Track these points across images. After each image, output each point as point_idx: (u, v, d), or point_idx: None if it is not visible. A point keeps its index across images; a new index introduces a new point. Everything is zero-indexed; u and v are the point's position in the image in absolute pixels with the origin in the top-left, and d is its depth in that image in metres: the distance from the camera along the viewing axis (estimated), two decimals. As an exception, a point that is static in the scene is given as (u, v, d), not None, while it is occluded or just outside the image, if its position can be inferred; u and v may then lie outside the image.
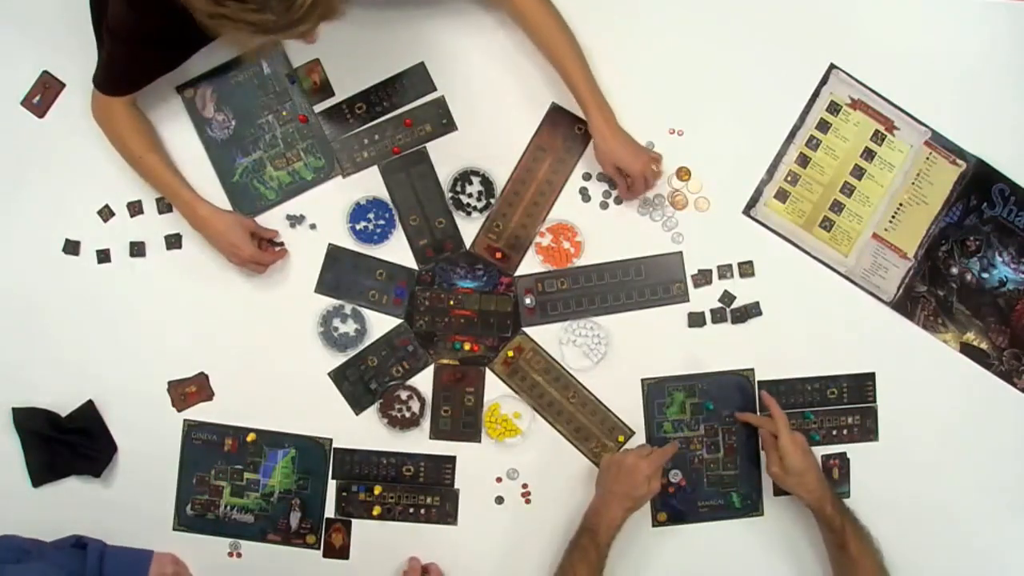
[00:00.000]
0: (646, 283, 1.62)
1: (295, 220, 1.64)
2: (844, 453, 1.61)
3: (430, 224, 1.64)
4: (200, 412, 1.64)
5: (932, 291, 1.61)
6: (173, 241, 1.64)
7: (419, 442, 1.63)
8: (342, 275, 1.64)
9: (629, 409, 1.62)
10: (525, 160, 1.63)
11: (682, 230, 1.62)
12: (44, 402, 1.63)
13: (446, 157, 1.63)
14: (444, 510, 1.63)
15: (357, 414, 1.64)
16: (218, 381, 1.64)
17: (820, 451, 1.59)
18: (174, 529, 1.64)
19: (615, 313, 1.62)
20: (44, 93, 1.63)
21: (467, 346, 1.63)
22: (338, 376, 1.64)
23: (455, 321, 1.64)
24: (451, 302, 1.64)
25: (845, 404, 1.61)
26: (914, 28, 1.61)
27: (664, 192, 1.61)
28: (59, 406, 1.63)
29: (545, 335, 1.63)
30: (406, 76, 1.63)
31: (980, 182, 1.60)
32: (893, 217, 1.61)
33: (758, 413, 1.60)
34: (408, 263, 1.64)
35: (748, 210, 1.62)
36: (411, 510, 1.63)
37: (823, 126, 1.61)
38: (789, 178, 1.61)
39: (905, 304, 1.61)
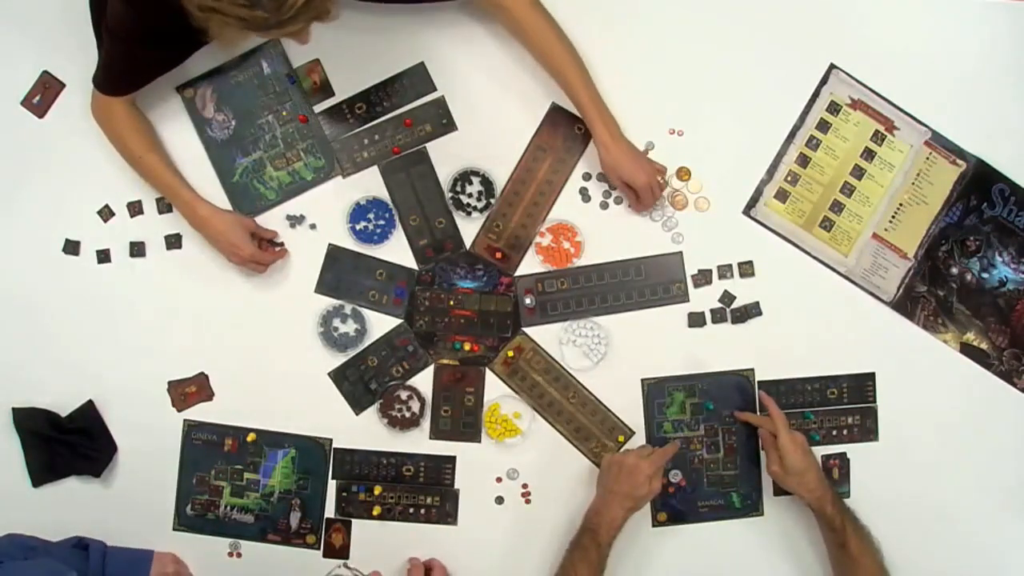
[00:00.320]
0: (646, 283, 1.62)
1: (295, 220, 1.64)
2: (844, 453, 1.61)
3: (430, 224, 1.64)
4: (200, 412, 1.64)
5: (932, 291, 1.61)
6: (173, 241, 1.64)
7: (419, 442, 1.63)
8: (342, 275, 1.64)
9: (629, 409, 1.62)
10: (525, 160, 1.63)
11: (682, 230, 1.62)
12: (44, 402, 1.63)
13: (446, 157, 1.63)
14: (444, 510, 1.63)
15: (357, 414, 1.64)
16: (218, 381, 1.64)
17: (820, 451, 1.59)
18: (174, 529, 1.64)
19: (615, 313, 1.62)
20: (44, 93, 1.63)
21: (467, 346, 1.63)
22: (338, 376, 1.64)
23: (455, 321, 1.64)
24: (451, 302, 1.64)
25: (845, 404, 1.61)
26: (914, 28, 1.61)
27: (664, 192, 1.62)
28: (59, 406, 1.63)
29: (545, 335, 1.63)
30: (406, 76, 1.63)
31: (980, 182, 1.60)
32: (893, 217, 1.61)
33: (758, 413, 1.60)
34: (408, 263, 1.64)
35: (748, 210, 1.62)
36: (411, 510, 1.63)
37: (823, 126, 1.61)
38: (789, 178, 1.61)
39: (905, 304, 1.61)
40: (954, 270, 1.61)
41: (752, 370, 1.61)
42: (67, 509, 1.62)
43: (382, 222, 1.64)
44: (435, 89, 1.63)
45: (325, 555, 1.63)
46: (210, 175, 1.64)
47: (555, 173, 1.63)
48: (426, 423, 1.63)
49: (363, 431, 1.63)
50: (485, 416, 1.63)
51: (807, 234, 1.61)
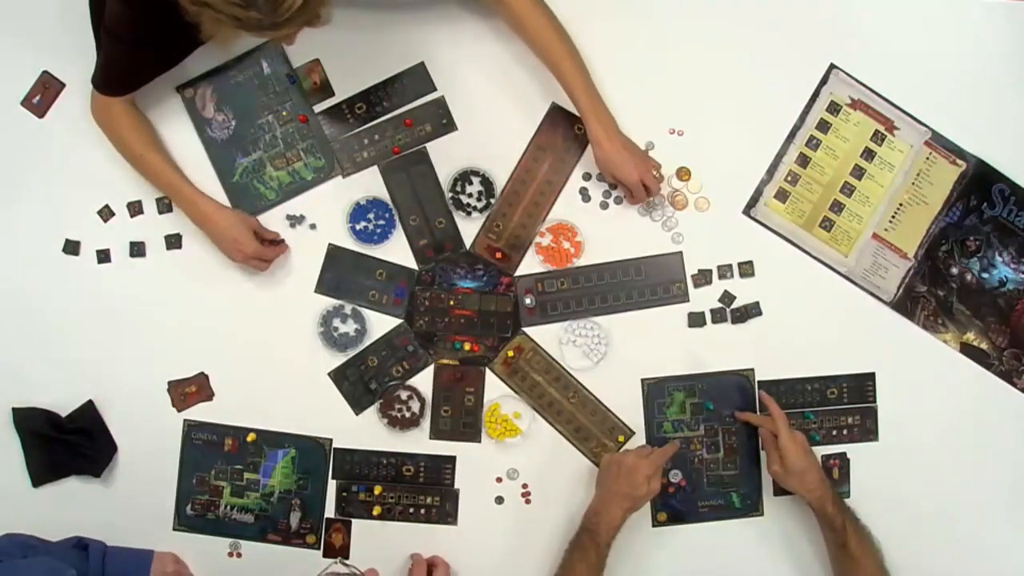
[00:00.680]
0: (646, 283, 1.62)
1: (295, 220, 1.64)
2: (844, 453, 1.61)
3: (430, 224, 1.64)
4: (200, 412, 1.64)
5: (932, 291, 1.61)
6: (173, 241, 1.64)
7: (419, 442, 1.63)
8: (342, 275, 1.64)
9: (629, 409, 1.62)
10: (525, 160, 1.63)
11: (682, 230, 1.62)
12: (44, 402, 1.63)
13: (446, 157, 1.63)
14: (444, 510, 1.63)
15: (357, 414, 1.64)
16: (218, 381, 1.64)
17: (820, 451, 1.59)
18: (174, 529, 1.64)
19: (615, 313, 1.62)
20: (44, 93, 1.63)
21: (467, 346, 1.63)
22: (338, 376, 1.64)
23: (455, 321, 1.64)
24: (451, 302, 1.64)
25: (845, 404, 1.61)
26: (914, 28, 1.61)
27: (664, 192, 1.61)
28: (59, 406, 1.63)
29: (545, 335, 1.63)
30: (406, 76, 1.63)
31: (980, 182, 1.60)
32: (893, 217, 1.61)
33: (758, 413, 1.60)
34: (408, 263, 1.64)
35: (748, 210, 1.62)
36: (411, 510, 1.63)
37: (823, 126, 1.61)
38: (789, 178, 1.61)
39: (905, 304, 1.61)
40: (954, 270, 1.61)
41: (752, 370, 1.61)
42: (67, 509, 1.62)
43: (382, 222, 1.64)
44: (435, 89, 1.63)
45: (325, 555, 1.63)
46: (210, 175, 1.64)
47: (555, 173, 1.63)
48: (426, 423, 1.63)
49: (363, 431, 1.63)
50: (485, 416, 1.63)
51: (807, 234, 1.61)
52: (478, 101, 1.63)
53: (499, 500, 1.63)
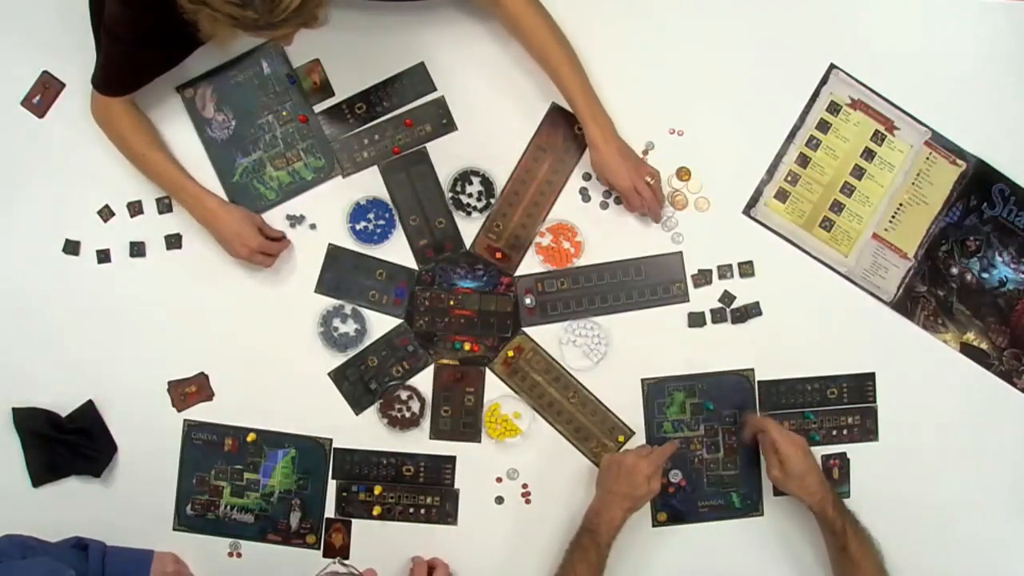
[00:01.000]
0: (646, 283, 1.62)
1: (295, 220, 1.64)
2: (844, 453, 1.61)
3: (430, 224, 1.64)
4: (200, 412, 1.64)
5: (932, 291, 1.61)
6: (173, 241, 1.64)
7: (419, 442, 1.63)
8: (342, 275, 1.64)
9: (629, 409, 1.62)
10: (525, 160, 1.63)
11: (682, 230, 1.62)
12: (44, 402, 1.63)
13: (446, 157, 1.63)
14: (444, 510, 1.63)
15: (357, 414, 1.64)
16: (218, 381, 1.64)
17: (820, 451, 1.59)
18: (174, 529, 1.63)
19: (615, 313, 1.62)
20: (44, 93, 1.63)
21: (467, 346, 1.63)
22: (338, 376, 1.63)
23: (455, 321, 1.64)
24: (451, 302, 1.63)
25: (845, 404, 1.61)
26: (914, 28, 1.61)
27: (664, 192, 1.61)
28: (59, 406, 1.63)
29: (545, 335, 1.63)
30: (406, 76, 1.63)
31: (980, 182, 1.60)
32: (893, 217, 1.61)
33: (757, 414, 1.60)
34: (408, 263, 1.64)
35: (748, 210, 1.62)
36: (411, 510, 1.63)
37: (823, 126, 1.61)
38: (789, 178, 1.61)
39: (905, 304, 1.61)
40: (954, 270, 1.61)
41: (752, 370, 1.61)
42: (67, 509, 1.62)
43: (382, 222, 1.63)
44: (435, 89, 1.63)
45: (325, 555, 1.63)
46: (210, 175, 1.63)
47: (555, 173, 1.63)
48: (426, 423, 1.63)
49: (363, 431, 1.63)
50: (485, 416, 1.62)
51: (807, 234, 1.61)
52: (478, 101, 1.63)
53: (499, 500, 1.63)
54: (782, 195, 1.61)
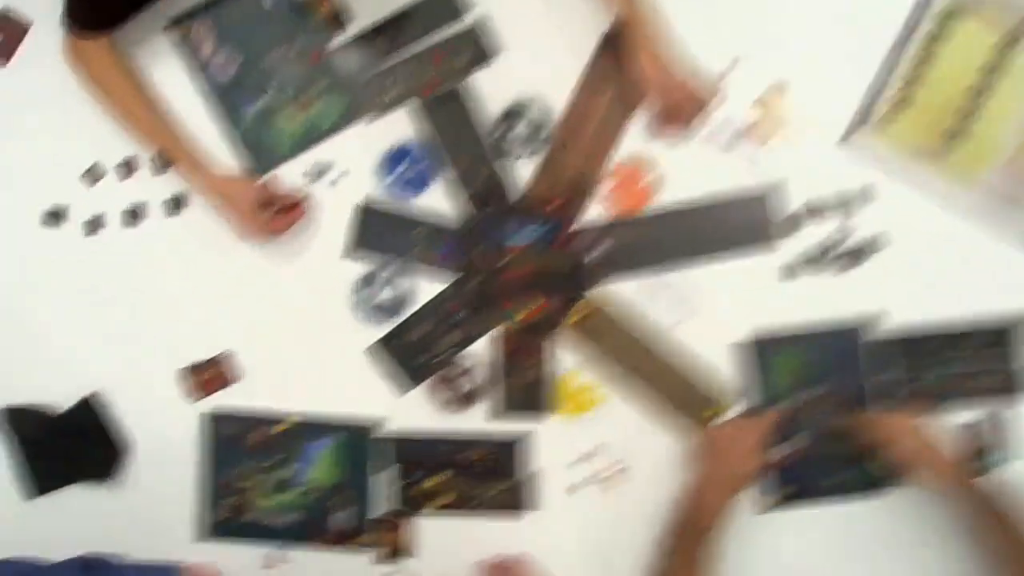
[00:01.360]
0: (732, 227, 1.40)
1: (315, 174, 1.42)
2: (988, 414, 1.39)
3: (473, 171, 1.42)
4: (220, 401, 1.42)
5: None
6: (176, 203, 1.41)
7: (481, 422, 1.42)
8: (376, 235, 1.42)
9: (725, 373, 1.41)
10: (582, 92, 1.41)
11: (770, 164, 1.39)
12: (33, 400, 1.41)
13: (486, 93, 1.42)
14: (517, 499, 1.42)
15: (406, 393, 1.43)
16: (240, 364, 1.42)
17: (953, 417, 1.38)
18: (199, 540, 1.42)
19: (700, 263, 1.41)
20: (5, 35, 1.39)
21: (528, 309, 1.42)
22: (380, 351, 1.42)
23: (512, 282, 1.42)
24: (505, 260, 1.42)
25: (979, 359, 1.39)
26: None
27: (747, 121, 1.39)
28: (52, 404, 1.41)
29: (619, 292, 1.42)
30: (434, 0, 1.41)
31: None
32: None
33: (871, 374, 1.40)
34: (450, 217, 1.42)
35: (850, 137, 1.39)
36: (478, 501, 1.42)
37: (938, 34, 1.38)
38: (898, 97, 1.39)
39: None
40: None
41: (867, 321, 1.39)
42: (70, 523, 1.41)
43: (418, 173, 1.42)
44: (468, 13, 1.40)
45: (380, 560, 1.42)
46: (211, 128, 1.42)
47: (618, 105, 1.41)
48: (488, 400, 1.42)
49: (414, 413, 1.42)
50: (557, 388, 1.42)
51: (922, 164, 1.39)
52: (522, 24, 1.41)
53: (579, 485, 1.42)
54: (890, 118, 1.38)
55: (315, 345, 1.42)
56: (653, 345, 1.41)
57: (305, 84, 1.43)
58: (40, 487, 1.42)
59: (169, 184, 1.42)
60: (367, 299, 1.42)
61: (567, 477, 1.43)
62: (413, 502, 1.43)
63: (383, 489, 1.42)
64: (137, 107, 1.37)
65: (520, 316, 1.42)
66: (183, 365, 1.42)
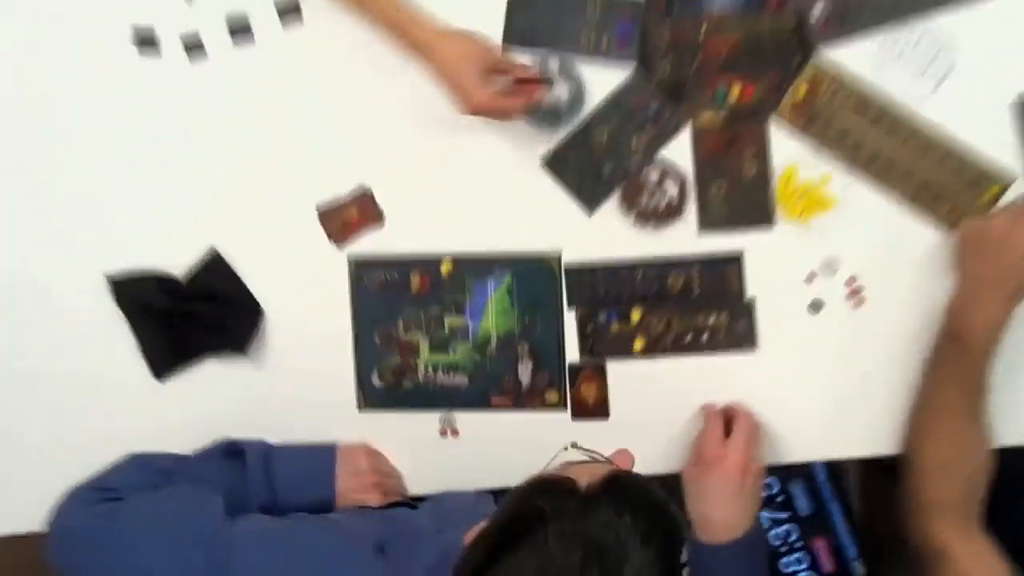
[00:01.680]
0: (997, -44, 1.08)
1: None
2: None
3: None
4: (369, 243, 1.17)
5: None
6: (288, 10, 1.14)
7: (686, 239, 1.15)
8: (538, 16, 1.13)
9: (999, 146, 1.10)
10: None
11: None
12: (150, 264, 1.17)
13: None
14: (736, 331, 1.15)
15: (590, 213, 1.15)
16: (386, 197, 1.16)
17: None
18: (360, 410, 1.19)
19: (958, 8, 1.09)
20: None
21: (736, 91, 1.12)
22: (555, 162, 1.14)
23: (712, 59, 1.12)
24: (703, 31, 1.12)
25: None
26: None
27: None
28: (172, 265, 1.18)
29: (853, 57, 1.11)
30: None
31: None
32: None
33: None
34: (628, -14, 1.12)
35: None
36: (688, 337, 1.15)
37: None
38: None
39: None
40: None
41: None
42: (207, 403, 1.19)
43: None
44: None
45: (575, 416, 1.16)
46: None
47: None
48: (691, 211, 1.14)
49: (603, 236, 1.15)
50: (778, 188, 1.13)
51: None
52: None
53: (815, 306, 1.14)
54: None
55: (478, 159, 1.15)
56: (904, 120, 1.10)
57: None
58: (167, 366, 1.19)
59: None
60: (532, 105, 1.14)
61: (799, 298, 1.15)
62: (609, 345, 1.16)
63: (572, 333, 1.17)
64: None
65: (727, 102, 1.12)
66: (321, 202, 1.16)
